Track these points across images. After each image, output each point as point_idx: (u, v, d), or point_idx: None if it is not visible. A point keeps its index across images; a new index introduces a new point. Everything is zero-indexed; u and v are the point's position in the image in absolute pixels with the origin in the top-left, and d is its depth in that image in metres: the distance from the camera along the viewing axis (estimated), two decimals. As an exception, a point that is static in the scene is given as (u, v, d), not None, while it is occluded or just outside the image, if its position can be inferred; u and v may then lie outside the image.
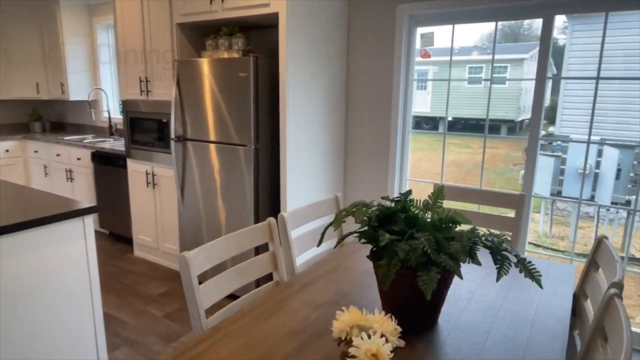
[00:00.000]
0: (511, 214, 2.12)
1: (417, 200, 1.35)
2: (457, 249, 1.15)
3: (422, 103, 15.98)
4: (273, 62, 2.78)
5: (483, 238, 1.21)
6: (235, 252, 1.48)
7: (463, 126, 15.04)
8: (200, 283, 1.35)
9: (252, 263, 1.56)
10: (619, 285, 1.11)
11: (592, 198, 6.24)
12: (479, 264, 1.21)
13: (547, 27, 2.51)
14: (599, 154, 5.97)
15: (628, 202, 6.05)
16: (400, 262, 1.12)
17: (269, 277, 1.67)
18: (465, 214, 2.30)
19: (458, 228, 1.31)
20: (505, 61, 14.30)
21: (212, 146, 2.93)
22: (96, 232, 4.39)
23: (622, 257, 5.27)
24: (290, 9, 2.58)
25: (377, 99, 3.12)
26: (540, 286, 1.15)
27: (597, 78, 2.49)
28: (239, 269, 1.51)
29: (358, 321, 0.99)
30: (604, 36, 2.45)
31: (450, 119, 15.76)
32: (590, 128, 2.60)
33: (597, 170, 6.03)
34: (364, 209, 1.29)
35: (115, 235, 4.27)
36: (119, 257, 3.81)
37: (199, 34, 3.31)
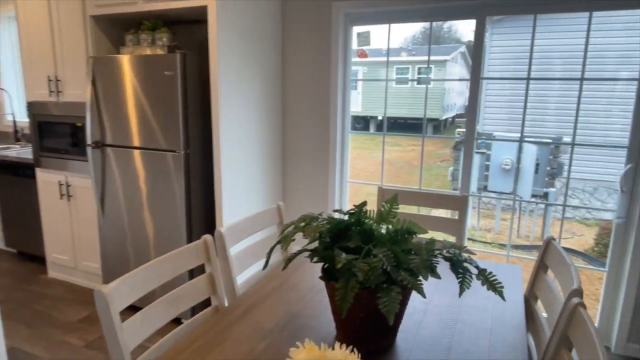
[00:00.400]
0: (440, 212, 2.11)
1: (370, 210, 1.24)
2: (418, 264, 1.06)
3: (353, 103, 16.23)
4: (203, 60, 2.56)
5: (444, 250, 1.13)
6: (166, 278, 1.28)
7: (392, 125, 15.50)
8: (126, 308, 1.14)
9: (187, 288, 1.37)
10: (579, 293, 1.08)
11: (514, 191, 6.63)
12: (439, 277, 1.13)
13: (481, 28, 2.54)
14: (520, 149, 6.35)
15: (546, 194, 6.51)
16: (358, 285, 1.01)
17: (205, 303, 1.49)
18: (413, 217, 2.26)
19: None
20: (430, 62, 14.92)
21: (137, 152, 2.65)
22: (2, 251, 3.86)
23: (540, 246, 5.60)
24: (220, 2, 2.39)
25: (315, 100, 3.01)
26: (503, 298, 1.09)
27: (528, 79, 2.56)
28: (172, 297, 1.31)
29: (317, 359, 0.86)
30: (533, 38, 2.53)
31: (380, 117, 16.22)
32: (523, 126, 2.68)
33: (518, 166, 6.41)
34: (314, 223, 1.16)
35: (25, 255, 3.78)
36: (29, 279, 3.36)
37: (118, 28, 2.99)
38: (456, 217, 2.13)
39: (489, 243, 6.37)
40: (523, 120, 2.64)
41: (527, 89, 2.57)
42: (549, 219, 6.70)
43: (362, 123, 16.28)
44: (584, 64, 2.45)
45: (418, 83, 15.60)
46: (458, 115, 17.09)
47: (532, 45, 2.51)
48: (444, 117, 16.01)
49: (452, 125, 16.90)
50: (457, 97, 17.21)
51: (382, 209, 1.25)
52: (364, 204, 1.19)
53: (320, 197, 3.11)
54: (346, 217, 1.18)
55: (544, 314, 1.42)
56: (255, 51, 2.73)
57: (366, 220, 1.22)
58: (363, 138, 14.22)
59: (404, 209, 2.39)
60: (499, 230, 6.94)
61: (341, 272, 1.05)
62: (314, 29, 2.91)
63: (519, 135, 2.72)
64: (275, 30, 2.94)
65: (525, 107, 2.61)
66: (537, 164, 6.23)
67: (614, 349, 2.47)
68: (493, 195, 7.36)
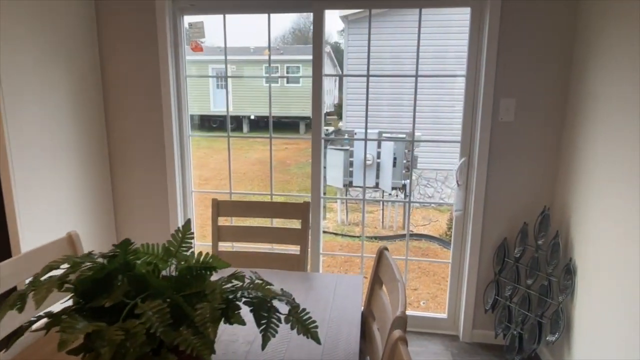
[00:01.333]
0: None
1: (153, 245, 0.95)
2: (204, 316, 0.80)
3: (224, 102, 15.71)
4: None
5: (242, 292, 0.88)
6: None
7: (266, 124, 15.35)
8: None
9: None
10: (402, 322, 0.94)
11: (377, 185, 6.91)
12: (243, 323, 0.89)
13: (319, 22, 2.40)
14: (379, 145, 6.62)
15: (404, 186, 6.90)
16: (107, 366, 0.70)
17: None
18: (253, 230, 2.01)
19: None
20: (297, 62, 15.11)
21: None
22: None
23: (404, 235, 5.84)
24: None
25: (145, 100, 2.59)
26: (318, 342, 0.89)
27: (367, 76, 2.50)
28: None
29: None
30: (369, 37, 2.48)
31: (252, 117, 15.95)
32: (366, 123, 2.63)
33: (378, 160, 6.68)
34: (58, 279, 0.82)
35: None
36: None
37: None
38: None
39: (357, 237, 6.53)
40: (366, 117, 2.59)
41: (367, 86, 2.51)
42: (409, 208, 7.14)
43: (234, 123, 15.84)
44: (417, 62, 2.46)
45: (287, 82, 15.66)
46: (328, 113, 17.66)
47: (369, 43, 2.46)
48: (315, 115, 16.31)
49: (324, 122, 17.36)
50: (326, 95, 17.72)
51: (173, 241, 0.97)
52: (127, 242, 0.89)
53: (160, 212, 2.70)
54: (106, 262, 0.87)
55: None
56: (59, 44, 2.22)
57: (149, 259, 0.92)
58: (234, 139, 13.82)
59: (245, 222, 2.13)
60: (366, 223, 7.18)
61: (90, 344, 0.74)
62: (135, 19, 2.49)
63: (377, 131, 2.66)
64: (86, 18, 2.45)
65: (367, 104, 2.56)
66: (395, 158, 6.55)
67: (462, 337, 2.55)
68: (358, 191, 7.60)
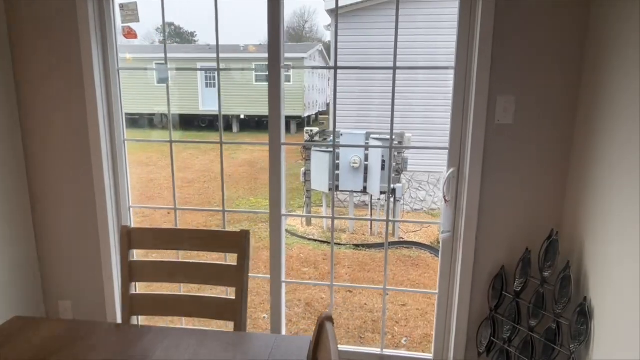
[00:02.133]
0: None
1: None
2: None
3: (213, 102, 15.30)
4: None
5: None
6: None
7: (257, 124, 14.96)
8: None
9: None
10: None
11: (364, 189, 6.46)
12: None
13: (276, 7, 1.96)
14: (366, 147, 6.18)
15: (394, 190, 6.45)
16: None
17: None
18: (176, 267, 1.53)
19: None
20: (287, 60, 14.68)
21: None
22: None
23: (393, 243, 5.44)
24: None
25: (67, 98, 2.13)
26: None
27: (335, 68, 2.06)
28: None
29: None
30: (336, 23, 2.03)
31: (242, 116, 15.53)
32: (334, 122, 2.18)
33: (366, 163, 6.24)
34: None
35: None
36: None
37: None
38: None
39: (344, 245, 6.09)
40: (334, 115, 2.14)
41: (335, 79, 2.08)
42: (398, 214, 6.70)
43: (223, 122, 15.44)
44: (395, 52, 2.03)
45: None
46: (320, 112, 17.33)
47: (336, 34, 2.01)
48: (306, 115, 15.98)
49: (315, 122, 17.06)
50: (318, 94, 17.47)
51: None
52: None
53: (90, 234, 2.24)
54: None
55: None
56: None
57: None
58: (215, 138, 13.42)
59: (178, 254, 1.59)
60: (354, 230, 6.75)
61: None
62: (54, 5, 2.04)
63: (364, 132, 2.22)
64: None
65: (335, 99, 2.13)
66: (383, 161, 6.11)
67: (450, 384, 2.12)
68: (346, 194, 7.15)
